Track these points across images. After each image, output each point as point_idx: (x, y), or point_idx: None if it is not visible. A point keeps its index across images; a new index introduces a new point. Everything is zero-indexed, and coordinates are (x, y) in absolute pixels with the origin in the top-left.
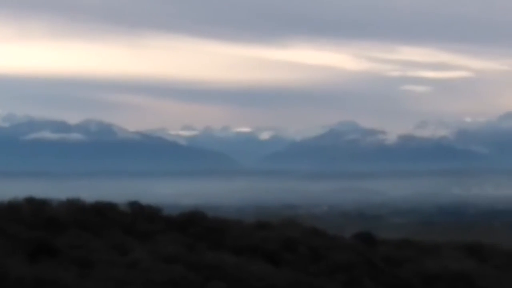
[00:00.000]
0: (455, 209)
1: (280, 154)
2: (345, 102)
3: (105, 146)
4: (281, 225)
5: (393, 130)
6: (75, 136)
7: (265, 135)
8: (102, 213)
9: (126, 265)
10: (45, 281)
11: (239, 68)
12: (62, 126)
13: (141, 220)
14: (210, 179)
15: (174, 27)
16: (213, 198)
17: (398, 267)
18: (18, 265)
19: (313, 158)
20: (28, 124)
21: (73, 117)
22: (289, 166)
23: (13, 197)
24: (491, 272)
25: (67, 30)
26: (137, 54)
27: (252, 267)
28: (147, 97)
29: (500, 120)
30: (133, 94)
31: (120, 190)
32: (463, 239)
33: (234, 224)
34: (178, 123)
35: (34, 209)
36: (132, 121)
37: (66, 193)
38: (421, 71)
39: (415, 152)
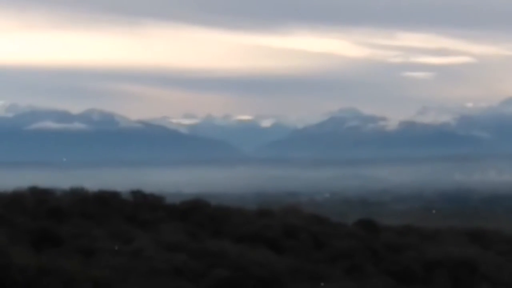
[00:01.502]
0: (457, 195)
1: (282, 141)
2: (346, 89)
3: (107, 135)
4: (283, 213)
5: (394, 117)
6: (78, 125)
7: (266, 123)
8: (105, 202)
9: (129, 254)
10: (48, 270)
11: (240, 56)
12: (64, 116)
13: (143, 208)
14: (212, 167)
15: (175, 16)
16: (215, 186)
17: (400, 254)
18: (22, 254)
19: (314, 145)
20: (31, 114)
21: (75, 107)
22: (290, 154)
23: (17, 187)
24: (493, 259)
25: (69, 20)
26: (139, 43)
27: (254, 255)
28: (148, 86)
29: (502, 105)
30: (135, 83)
31: (123, 179)
32: (465, 225)
33: (236, 212)
34: (179, 111)
35: (38, 199)
36: (134, 110)
37: (69, 182)
38: (422, 57)
39: (417, 139)
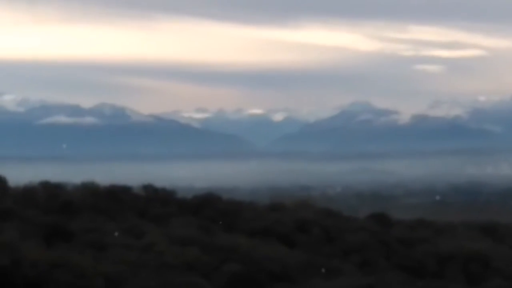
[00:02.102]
0: (470, 189)
1: (293, 135)
2: (358, 83)
3: (119, 129)
4: (295, 207)
5: (406, 110)
6: (89, 120)
7: (278, 117)
8: (116, 197)
9: (141, 248)
10: (59, 265)
11: (252, 50)
12: (76, 110)
13: (155, 203)
14: (224, 161)
15: (186, 10)
16: (226, 180)
17: (412, 248)
18: (33, 249)
19: (326, 139)
20: (42, 108)
21: (87, 101)
22: (302, 148)
23: (28, 182)
24: (506, 252)
25: (80, 14)
26: (150, 37)
27: (266, 249)
28: (160, 80)
29: None
30: (147, 77)
31: (134, 173)
32: (477, 219)
33: (247, 206)
34: (191, 105)
35: (49, 193)
36: (145, 104)
37: (81, 177)
38: (434, 50)
39: (429, 132)
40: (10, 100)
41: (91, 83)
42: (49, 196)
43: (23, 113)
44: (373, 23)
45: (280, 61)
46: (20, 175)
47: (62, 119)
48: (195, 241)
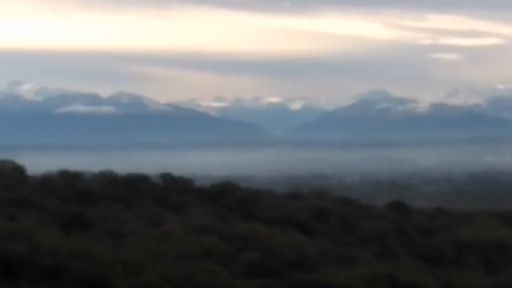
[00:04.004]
0: (488, 178)
1: (311, 124)
2: (376, 71)
3: (136, 118)
4: (313, 195)
5: (424, 99)
6: (107, 109)
7: (296, 105)
8: (134, 185)
9: (159, 237)
10: (78, 253)
11: (270, 38)
12: (94, 99)
13: (173, 191)
14: (242, 150)
15: None
16: (244, 168)
17: (430, 236)
18: (52, 237)
19: (344, 128)
20: (60, 97)
21: (104, 90)
22: (320, 136)
23: (46, 171)
24: None
25: (97, 3)
26: (168, 26)
27: (284, 237)
28: (178, 69)
29: None
30: (164, 67)
31: (152, 162)
32: (496, 207)
33: (265, 195)
34: (209, 94)
35: (67, 182)
36: (163, 93)
37: (99, 165)
38: (452, 39)
39: (447, 121)
40: (28, 89)
41: (109, 72)
42: (67, 184)
43: (41, 102)
44: (391, 12)
45: (298, 50)
46: (38, 164)
47: (80, 108)
48: (213, 230)
